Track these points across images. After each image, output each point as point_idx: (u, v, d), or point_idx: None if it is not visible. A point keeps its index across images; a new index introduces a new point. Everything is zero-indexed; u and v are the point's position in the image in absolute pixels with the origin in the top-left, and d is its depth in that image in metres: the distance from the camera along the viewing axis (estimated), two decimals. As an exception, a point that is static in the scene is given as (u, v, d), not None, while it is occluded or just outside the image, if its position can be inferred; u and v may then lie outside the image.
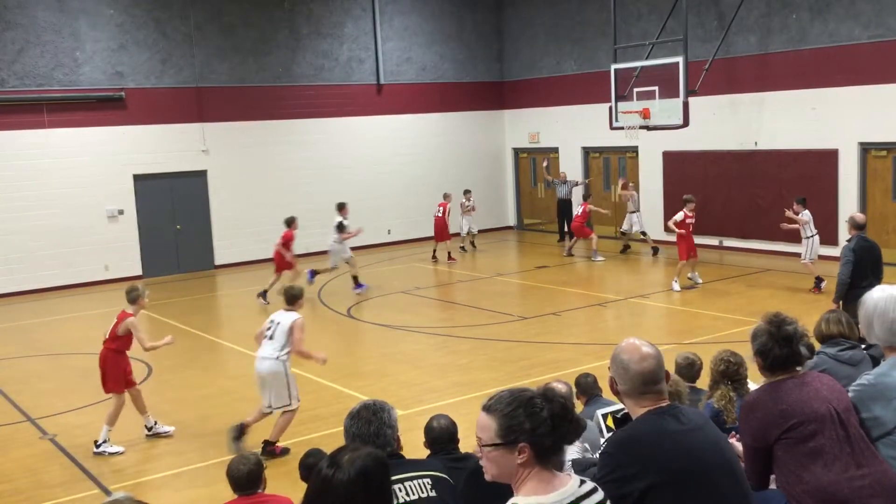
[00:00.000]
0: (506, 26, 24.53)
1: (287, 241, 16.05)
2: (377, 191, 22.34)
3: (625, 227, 19.84)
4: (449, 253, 19.89)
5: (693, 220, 15.78)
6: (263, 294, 15.89)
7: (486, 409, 2.75)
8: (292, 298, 8.68)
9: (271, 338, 8.46)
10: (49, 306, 16.84)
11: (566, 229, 21.28)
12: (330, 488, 2.53)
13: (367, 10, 22.29)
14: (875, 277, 9.43)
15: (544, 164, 22.74)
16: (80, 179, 18.69)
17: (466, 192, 21.29)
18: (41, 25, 18.20)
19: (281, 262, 16.01)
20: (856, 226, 9.98)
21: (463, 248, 21.11)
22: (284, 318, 8.52)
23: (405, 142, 23.11)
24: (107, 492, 7.61)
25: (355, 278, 16.69)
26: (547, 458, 2.71)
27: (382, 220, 22.35)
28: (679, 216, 15.74)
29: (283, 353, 8.38)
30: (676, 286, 15.45)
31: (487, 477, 2.77)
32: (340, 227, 16.40)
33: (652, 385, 3.19)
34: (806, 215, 14.94)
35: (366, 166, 22.35)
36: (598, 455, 4.43)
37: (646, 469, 3.04)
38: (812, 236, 14.98)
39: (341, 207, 16.80)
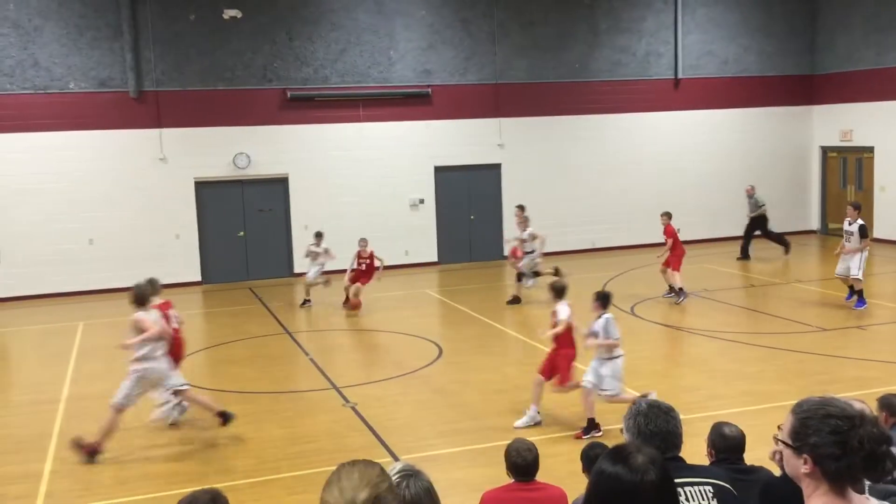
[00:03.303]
0: (820, 15, 22.82)
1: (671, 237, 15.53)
2: (671, 188, 21.81)
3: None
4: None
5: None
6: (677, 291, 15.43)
7: (795, 405, 2.68)
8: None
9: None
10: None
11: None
12: (632, 492, 2.47)
13: (668, 3, 21.80)
14: None
15: None
16: (387, 170, 20.16)
17: (520, 207, 16.94)
18: (361, 27, 19.83)
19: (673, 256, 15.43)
20: None
21: (517, 298, 15.94)
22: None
23: (701, 138, 22.35)
24: (396, 460, 8.20)
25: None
26: (841, 481, 2.53)
27: (675, 219, 21.74)
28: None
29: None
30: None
31: (783, 470, 2.68)
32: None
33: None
34: None
35: (661, 162, 21.91)
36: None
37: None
38: None
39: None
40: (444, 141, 20.56)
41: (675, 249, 15.50)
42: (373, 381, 11.34)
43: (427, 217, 20.62)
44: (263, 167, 19.50)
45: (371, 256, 15.93)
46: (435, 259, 20.46)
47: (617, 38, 21.58)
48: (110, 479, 8.47)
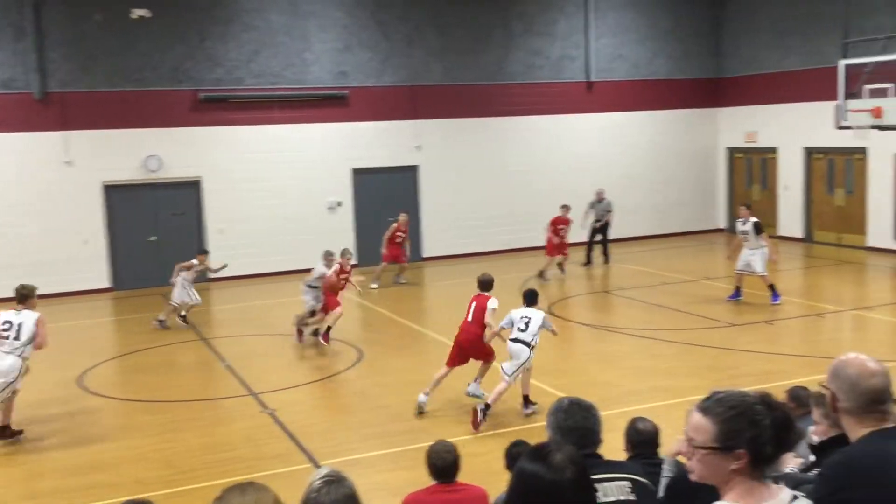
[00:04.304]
0: (725, 20, 23.58)
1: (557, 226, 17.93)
2: (584, 189, 22.19)
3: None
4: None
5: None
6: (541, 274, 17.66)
7: (703, 410, 2.66)
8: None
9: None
10: (273, 289, 18.08)
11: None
12: (550, 490, 2.51)
13: (580, 7, 22.20)
14: None
15: None
16: (304, 172, 19.96)
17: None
18: (275, 28, 19.59)
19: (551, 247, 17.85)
20: None
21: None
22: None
23: (614, 140, 22.82)
24: (317, 466, 8.13)
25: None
26: (763, 466, 2.62)
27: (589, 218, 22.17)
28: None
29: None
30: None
31: (693, 477, 2.71)
32: None
33: (879, 404, 3.00)
34: None
35: (573, 164, 22.28)
36: (810, 473, 4.22)
37: (866, 495, 2.87)
38: None
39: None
40: (362, 143, 20.48)
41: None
42: (292, 387, 11.21)
43: (345, 220, 20.50)
44: (176, 170, 19.07)
45: (350, 271, 13.63)
46: (355, 262, 20.31)
47: (531, 42, 21.86)
48: (19, 494, 8.15)
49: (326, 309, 13.04)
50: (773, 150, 22.46)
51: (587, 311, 15.35)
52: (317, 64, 20.02)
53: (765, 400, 2.65)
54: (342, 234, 20.10)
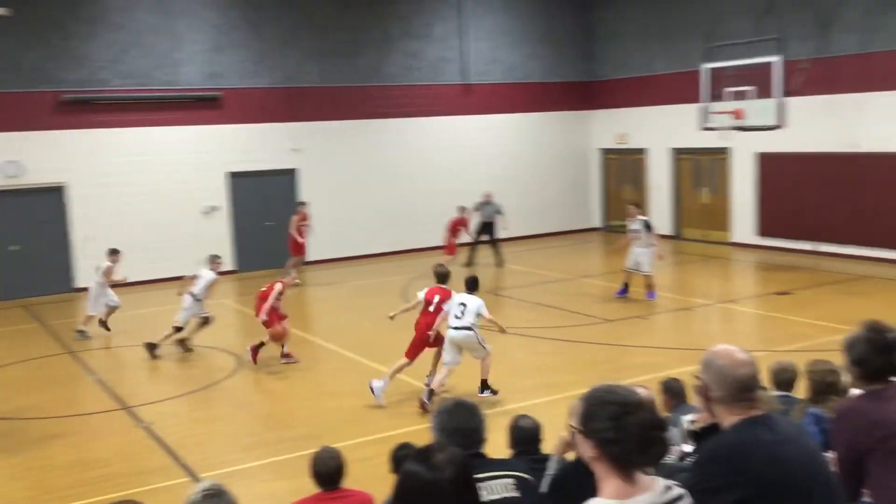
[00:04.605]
0: (596, 25, 24.29)
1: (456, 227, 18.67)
2: (463, 190, 22.39)
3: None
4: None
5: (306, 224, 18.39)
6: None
7: (583, 396, 2.79)
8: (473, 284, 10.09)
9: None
10: (145, 298, 17.41)
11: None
12: (430, 490, 2.57)
13: (455, 10, 22.41)
14: None
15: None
16: (178, 176, 19.33)
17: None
18: (143, 27, 18.90)
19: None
20: None
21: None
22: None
23: (492, 141, 23.14)
24: (197, 479, 7.86)
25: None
26: (617, 463, 2.67)
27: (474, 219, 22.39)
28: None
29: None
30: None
31: (581, 452, 2.81)
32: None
33: (747, 392, 3.12)
34: None
35: (452, 165, 22.46)
36: (685, 461, 4.37)
37: (738, 481, 2.98)
38: None
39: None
40: (238, 146, 20.02)
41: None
42: (168, 399, 10.81)
43: (222, 225, 19.98)
44: (38, 175, 18.11)
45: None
46: (233, 267, 19.86)
47: (408, 44, 21.91)
48: None
49: (270, 325, 11.83)
50: (642, 152, 23.29)
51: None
52: (188, 64, 19.45)
53: (633, 403, 2.68)
54: (218, 240, 19.60)
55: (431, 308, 10.09)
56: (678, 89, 20.96)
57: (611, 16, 23.76)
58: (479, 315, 9.79)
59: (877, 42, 17.38)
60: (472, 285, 10.07)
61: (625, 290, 15.37)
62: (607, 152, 24.69)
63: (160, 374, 12.34)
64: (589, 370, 11.06)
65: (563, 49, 24.08)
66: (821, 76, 17.74)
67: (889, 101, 17.15)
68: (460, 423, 3.67)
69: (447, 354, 9.88)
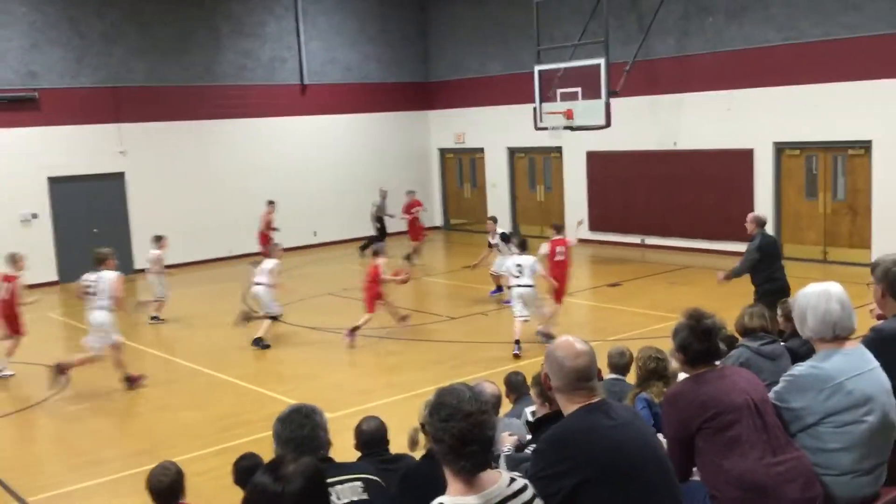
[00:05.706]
0: (430, 27, 24.56)
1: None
2: (302, 192, 22.10)
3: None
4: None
5: None
6: None
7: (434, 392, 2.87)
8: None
9: None
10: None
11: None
12: (274, 501, 2.53)
13: (289, 9, 22.06)
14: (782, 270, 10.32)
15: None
16: (-9, 182, 18.03)
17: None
18: (-53, 22, 17.50)
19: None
20: (760, 224, 10.61)
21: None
22: None
23: (331, 142, 22.95)
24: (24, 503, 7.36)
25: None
26: (446, 463, 2.75)
27: (308, 221, 22.14)
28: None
29: None
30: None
31: None
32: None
33: (585, 381, 3.22)
34: None
35: (290, 167, 22.11)
36: (526, 451, 4.47)
37: (577, 465, 3.07)
38: None
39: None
40: (58, 149, 18.85)
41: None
42: (-13, 420, 10.05)
43: (43, 233, 18.78)
44: None
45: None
46: (56, 278, 18.70)
47: (240, 43, 21.36)
48: None
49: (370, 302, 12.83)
50: (480, 151, 23.75)
51: (313, 314, 15.23)
52: (0, 63, 18.16)
53: (459, 410, 2.74)
54: (39, 248, 18.44)
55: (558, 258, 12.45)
56: (512, 90, 21.51)
57: (444, 17, 24.09)
58: (534, 272, 11.42)
59: (692, 45, 18.50)
60: (522, 246, 12.03)
61: (499, 289, 15.48)
62: (446, 152, 25.02)
63: (-23, 396, 11.43)
64: (435, 367, 11.15)
65: (399, 49, 24.20)
66: (643, 78, 18.69)
67: (703, 101, 18.30)
68: (293, 430, 3.58)
69: (516, 308, 11.50)
